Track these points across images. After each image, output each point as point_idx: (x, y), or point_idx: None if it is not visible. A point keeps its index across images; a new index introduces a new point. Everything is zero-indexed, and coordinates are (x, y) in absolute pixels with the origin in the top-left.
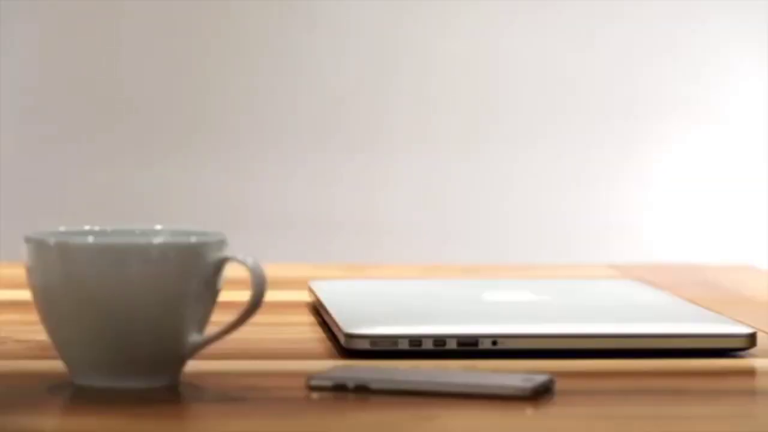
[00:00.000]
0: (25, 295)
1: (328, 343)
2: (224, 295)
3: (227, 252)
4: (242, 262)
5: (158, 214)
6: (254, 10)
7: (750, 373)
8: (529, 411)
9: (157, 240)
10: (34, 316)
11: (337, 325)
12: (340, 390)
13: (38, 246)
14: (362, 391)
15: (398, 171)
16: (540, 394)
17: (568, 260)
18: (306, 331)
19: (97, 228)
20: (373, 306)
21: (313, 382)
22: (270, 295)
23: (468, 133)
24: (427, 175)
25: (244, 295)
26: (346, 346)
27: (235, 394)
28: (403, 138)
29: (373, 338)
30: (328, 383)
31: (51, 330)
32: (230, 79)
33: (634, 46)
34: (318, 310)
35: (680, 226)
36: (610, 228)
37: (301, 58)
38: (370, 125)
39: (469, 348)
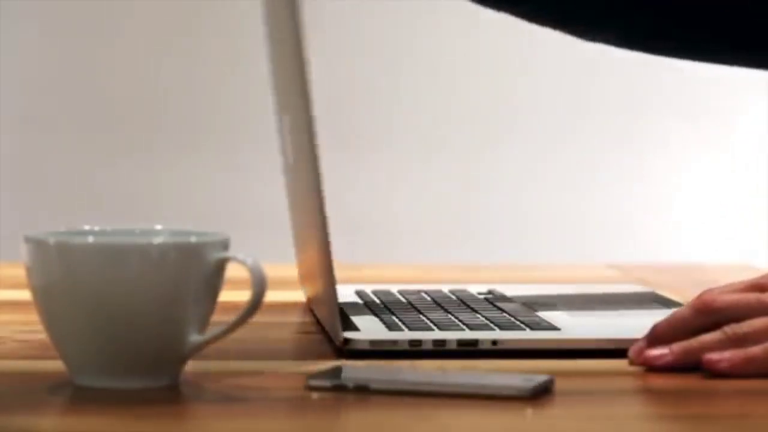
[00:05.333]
0: (25, 295)
1: (328, 343)
2: (224, 295)
3: (228, 252)
4: (242, 262)
5: (158, 214)
6: (261, 7)
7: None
8: (529, 411)
9: (157, 240)
10: (34, 316)
11: (336, 326)
12: (339, 390)
13: (38, 246)
14: (362, 391)
15: (406, 173)
16: (540, 394)
17: (569, 260)
18: (306, 331)
19: (97, 228)
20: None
21: (313, 383)
22: (270, 295)
23: (475, 136)
24: (433, 176)
25: (244, 295)
26: (345, 347)
27: (235, 394)
28: (412, 140)
29: (373, 338)
30: (327, 383)
31: (51, 330)
32: (233, 78)
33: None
34: (328, 310)
35: (680, 226)
36: (610, 228)
37: (313, 57)
38: (379, 126)
39: (469, 348)
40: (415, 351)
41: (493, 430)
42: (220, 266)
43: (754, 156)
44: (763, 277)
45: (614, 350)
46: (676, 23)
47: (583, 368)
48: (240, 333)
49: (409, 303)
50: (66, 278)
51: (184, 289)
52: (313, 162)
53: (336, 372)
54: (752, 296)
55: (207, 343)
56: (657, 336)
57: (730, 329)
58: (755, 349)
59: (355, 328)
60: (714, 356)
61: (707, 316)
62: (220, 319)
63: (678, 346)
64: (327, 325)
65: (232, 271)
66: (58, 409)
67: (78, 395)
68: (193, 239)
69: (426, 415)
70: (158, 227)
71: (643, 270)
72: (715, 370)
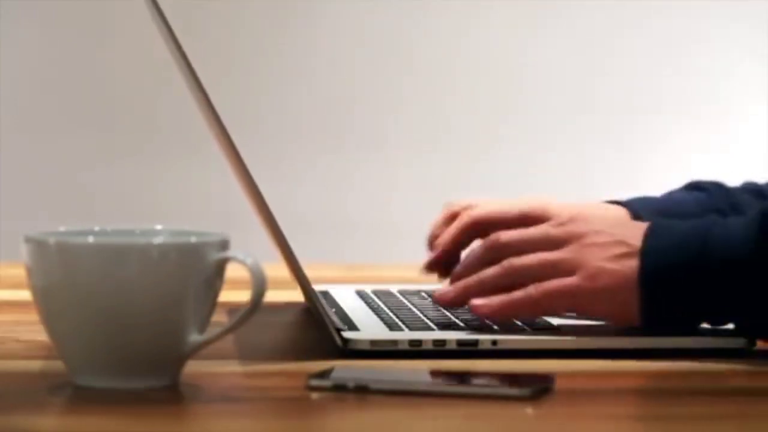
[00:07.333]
0: (25, 295)
1: (328, 343)
2: (224, 295)
3: (228, 252)
4: (242, 262)
5: (158, 214)
6: (263, 8)
7: (750, 373)
8: (529, 411)
9: (157, 240)
10: (34, 316)
11: (337, 326)
12: (340, 390)
13: (38, 246)
14: (362, 391)
15: (405, 173)
16: (540, 394)
17: None
18: (306, 331)
19: (97, 228)
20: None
21: (313, 383)
22: (270, 295)
23: (475, 136)
24: (433, 176)
25: (244, 295)
26: (345, 347)
27: (235, 394)
28: (411, 139)
29: (373, 338)
30: (327, 383)
31: (51, 330)
32: (236, 78)
33: (631, 49)
34: (318, 310)
35: None
36: None
37: (312, 57)
38: (380, 126)
39: (469, 348)
40: (415, 351)
41: (493, 430)
42: (220, 266)
43: (754, 155)
44: (530, 207)
45: (614, 350)
46: None
47: (583, 368)
48: (240, 333)
49: (410, 303)
50: (66, 278)
51: (184, 289)
52: (241, 165)
53: (336, 372)
54: (537, 230)
55: (207, 343)
56: (456, 276)
57: (508, 263)
58: (517, 293)
59: (356, 328)
60: (477, 301)
61: (495, 252)
62: (220, 319)
63: (461, 282)
64: (319, 320)
65: (232, 271)
66: (58, 409)
67: (78, 395)
68: (193, 239)
69: (426, 415)
70: (158, 227)
71: None
72: (479, 314)
